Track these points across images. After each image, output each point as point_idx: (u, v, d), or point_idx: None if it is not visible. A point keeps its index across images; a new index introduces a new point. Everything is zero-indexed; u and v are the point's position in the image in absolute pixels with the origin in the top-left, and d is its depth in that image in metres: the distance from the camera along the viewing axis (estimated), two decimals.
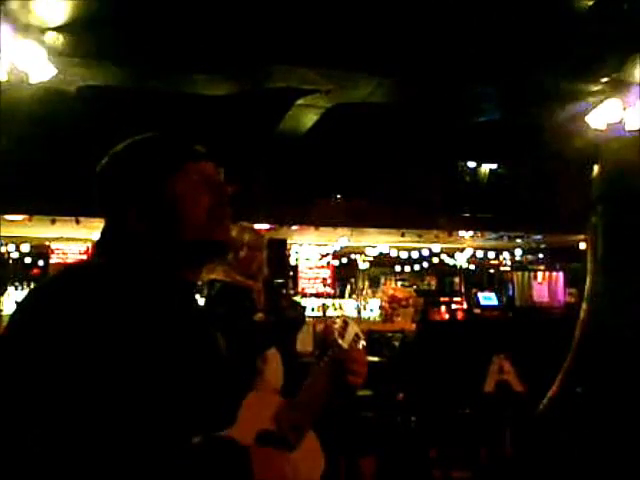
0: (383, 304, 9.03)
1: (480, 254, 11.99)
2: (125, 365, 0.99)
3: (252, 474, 1.03)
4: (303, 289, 10.99)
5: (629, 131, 5.36)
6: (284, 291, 8.24)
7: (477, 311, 9.62)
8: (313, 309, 9.78)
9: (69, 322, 0.99)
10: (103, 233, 1.20)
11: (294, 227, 8.79)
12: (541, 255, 12.33)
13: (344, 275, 12.01)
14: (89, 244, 9.30)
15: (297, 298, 8.92)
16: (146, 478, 0.97)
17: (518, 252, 12.07)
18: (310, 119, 6.88)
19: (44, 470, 0.92)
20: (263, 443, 1.16)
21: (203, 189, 1.18)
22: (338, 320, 1.34)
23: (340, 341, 1.29)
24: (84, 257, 9.45)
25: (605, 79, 5.43)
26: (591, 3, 4.50)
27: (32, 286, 9.24)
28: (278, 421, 1.19)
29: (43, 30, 4.49)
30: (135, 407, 0.99)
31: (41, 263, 10.34)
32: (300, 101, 6.36)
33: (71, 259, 9.83)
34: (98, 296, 1.03)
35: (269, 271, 3.25)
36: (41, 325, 0.99)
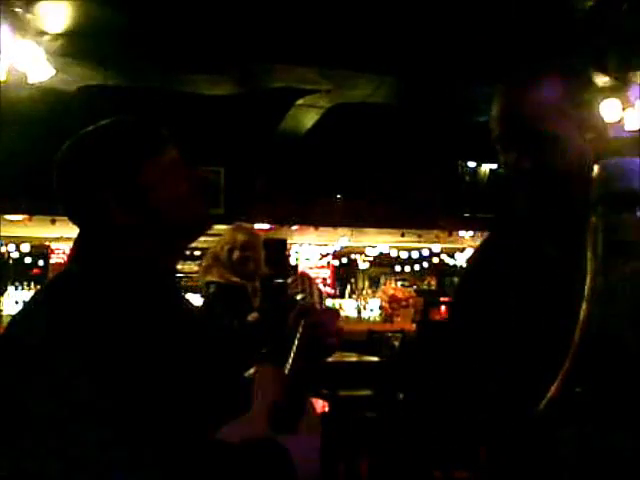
0: (383, 304, 9.04)
1: None
2: (142, 363, 1.00)
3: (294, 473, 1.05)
4: None
5: (629, 131, 5.35)
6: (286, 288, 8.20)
7: None
8: None
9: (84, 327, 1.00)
10: (83, 231, 1.19)
11: (294, 227, 8.78)
12: None
13: (344, 275, 12.01)
14: None
15: (299, 296, 8.88)
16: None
17: None
18: (310, 119, 6.88)
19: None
20: (279, 416, 1.16)
21: (179, 173, 1.17)
22: (304, 279, 1.31)
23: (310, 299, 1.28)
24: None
25: (605, 79, 5.43)
26: (591, 3, 4.50)
27: (32, 286, 9.27)
28: (287, 391, 1.19)
29: (42, 30, 4.49)
30: (158, 403, 0.99)
31: (41, 263, 10.34)
32: (300, 101, 6.36)
33: None
34: (113, 300, 1.05)
35: (268, 270, 3.23)
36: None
